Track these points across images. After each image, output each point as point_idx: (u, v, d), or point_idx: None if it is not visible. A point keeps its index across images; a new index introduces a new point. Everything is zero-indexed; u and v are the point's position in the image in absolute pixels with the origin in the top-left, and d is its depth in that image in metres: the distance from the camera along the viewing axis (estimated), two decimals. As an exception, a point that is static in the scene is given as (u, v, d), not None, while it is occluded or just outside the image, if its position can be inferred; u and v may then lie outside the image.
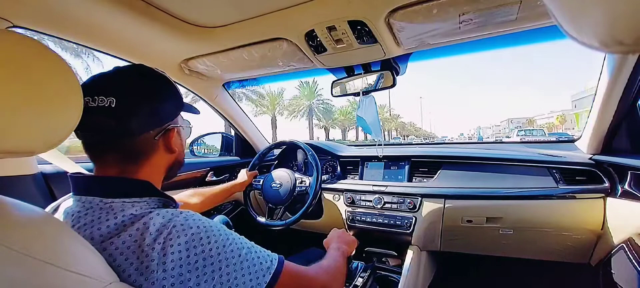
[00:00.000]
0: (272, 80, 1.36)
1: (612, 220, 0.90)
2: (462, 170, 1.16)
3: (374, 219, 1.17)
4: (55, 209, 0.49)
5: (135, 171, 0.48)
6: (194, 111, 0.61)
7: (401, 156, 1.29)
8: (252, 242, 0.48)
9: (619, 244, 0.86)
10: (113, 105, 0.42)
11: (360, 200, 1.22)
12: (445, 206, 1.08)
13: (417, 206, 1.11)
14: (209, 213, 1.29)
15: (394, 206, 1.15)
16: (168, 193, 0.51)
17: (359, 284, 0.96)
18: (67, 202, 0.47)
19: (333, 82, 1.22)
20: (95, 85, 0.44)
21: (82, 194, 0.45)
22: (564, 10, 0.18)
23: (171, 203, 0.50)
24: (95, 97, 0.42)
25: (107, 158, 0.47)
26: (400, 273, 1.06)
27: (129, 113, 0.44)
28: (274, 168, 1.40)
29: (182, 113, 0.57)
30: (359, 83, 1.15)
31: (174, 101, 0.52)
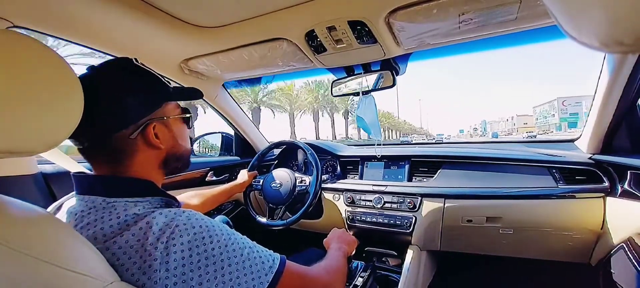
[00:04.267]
0: (272, 81, 1.36)
1: (612, 219, 0.90)
2: (462, 170, 1.16)
3: (374, 219, 1.17)
4: (58, 208, 0.49)
5: (123, 171, 0.47)
6: (194, 97, 0.57)
7: (401, 156, 1.29)
8: (254, 242, 0.48)
9: (619, 244, 0.86)
10: None
11: (360, 199, 1.22)
12: (445, 206, 1.08)
13: (417, 206, 1.12)
14: (210, 214, 1.29)
15: (394, 206, 1.15)
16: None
17: (359, 284, 0.96)
18: (69, 201, 0.47)
19: (333, 82, 1.22)
20: None
21: (85, 193, 0.45)
22: (563, 10, 0.18)
23: (174, 202, 0.50)
24: None
25: (96, 160, 0.47)
26: (400, 273, 1.06)
27: (94, 115, 0.43)
28: (274, 168, 1.40)
29: (180, 101, 0.55)
30: (359, 83, 1.16)
31: (149, 94, 0.49)
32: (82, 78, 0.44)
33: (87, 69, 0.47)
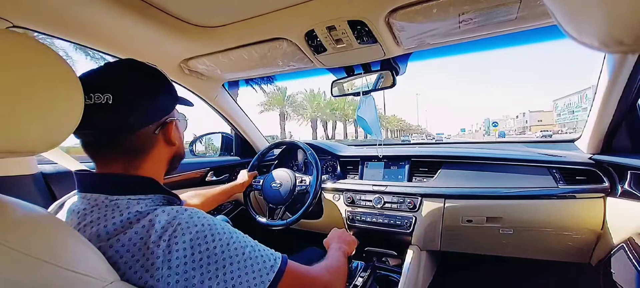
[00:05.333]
0: (272, 81, 1.36)
1: (612, 219, 0.90)
2: (462, 170, 1.16)
3: (374, 219, 1.17)
4: (60, 206, 0.49)
5: (138, 166, 0.48)
6: (188, 104, 0.61)
7: (401, 156, 1.30)
8: (256, 241, 0.48)
9: (619, 244, 0.86)
10: (110, 102, 0.42)
11: (360, 199, 1.22)
12: (445, 206, 1.08)
13: (417, 206, 1.12)
14: (210, 214, 1.29)
15: (394, 206, 1.15)
16: None
17: (359, 284, 0.96)
18: (71, 200, 0.47)
19: (333, 82, 1.22)
20: (89, 82, 0.43)
21: (88, 191, 0.45)
22: (563, 9, 0.18)
23: (176, 200, 0.50)
24: (91, 95, 0.42)
25: (109, 156, 0.47)
26: (400, 273, 1.06)
27: (127, 109, 0.44)
28: (274, 168, 1.40)
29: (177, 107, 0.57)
30: (359, 83, 1.16)
31: (169, 94, 0.52)
32: (105, 76, 0.46)
33: (113, 63, 0.49)
